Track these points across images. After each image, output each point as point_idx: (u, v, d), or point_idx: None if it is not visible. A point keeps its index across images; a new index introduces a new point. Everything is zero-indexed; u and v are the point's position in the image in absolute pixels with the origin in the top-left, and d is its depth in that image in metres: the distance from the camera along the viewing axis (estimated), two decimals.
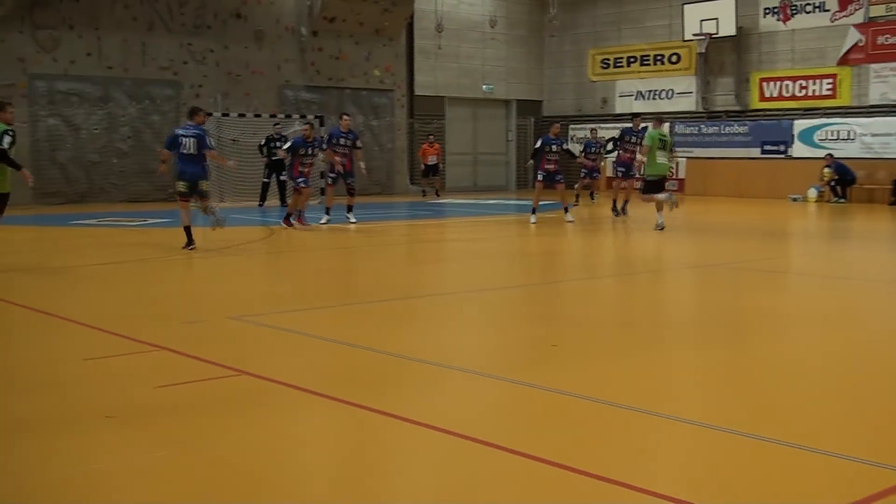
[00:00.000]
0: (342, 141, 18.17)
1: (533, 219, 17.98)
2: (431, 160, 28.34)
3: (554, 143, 18.49)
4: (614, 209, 20.39)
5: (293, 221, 17.33)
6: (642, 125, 20.09)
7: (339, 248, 15.05)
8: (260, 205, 23.69)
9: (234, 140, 25.26)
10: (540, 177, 18.39)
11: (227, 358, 6.70)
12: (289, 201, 19.18)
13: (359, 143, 18.50)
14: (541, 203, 18.89)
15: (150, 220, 19.12)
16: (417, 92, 30.72)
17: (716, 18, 28.28)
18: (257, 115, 25.50)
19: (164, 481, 4.36)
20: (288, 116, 26.06)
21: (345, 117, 18.60)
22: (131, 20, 24.67)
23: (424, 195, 28.53)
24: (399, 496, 4.29)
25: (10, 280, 11.39)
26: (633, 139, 19.74)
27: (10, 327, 8.30)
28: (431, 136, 29.11)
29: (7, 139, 11.53)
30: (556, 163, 18.45)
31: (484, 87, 32.36)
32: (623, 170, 20.22)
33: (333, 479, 4.54)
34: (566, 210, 18.70)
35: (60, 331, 7.97)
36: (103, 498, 4.17)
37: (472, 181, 32.81)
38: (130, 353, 6.92)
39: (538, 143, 18.72)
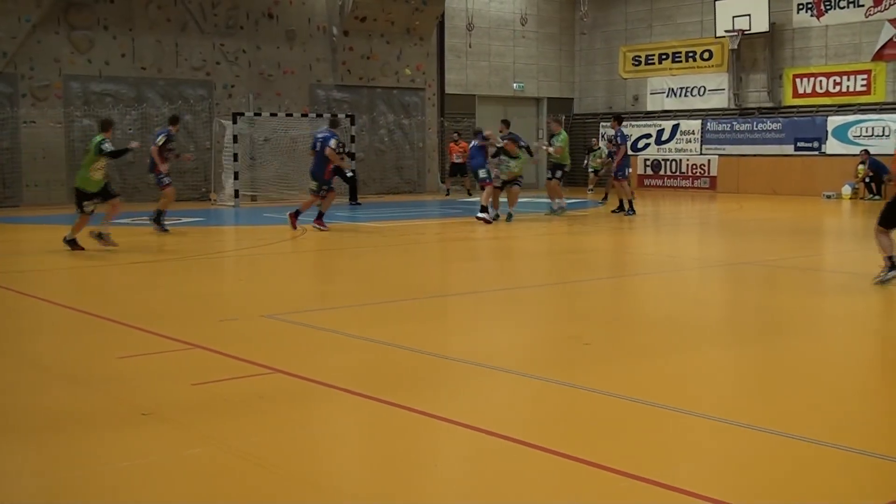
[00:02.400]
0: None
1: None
2: (457, 158, 27.95)
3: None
4: (621, 207, 20.88)
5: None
6: (619, 127, 21.17)
7: (369, 247, 15.10)
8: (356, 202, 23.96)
9: (265, 139, 25.41)
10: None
11: (261, 356, 6.76)
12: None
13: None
14: (574, 201, 18.83)
15: (184, 220, 19.26)
16: (448, 90, 30.74)
17: (748, 14, 28.07)
18: (289, 115, 25.63)
19: (197, 478, 4.40)
20: (319, 116, 26.17)
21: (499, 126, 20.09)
22: (165, 21, 24.87)
23: (448, 194, 28.21)
24: (433, 494, 4.31)
25: (46, 278, 11.54)
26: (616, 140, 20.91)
27: (45, 325, 8.41)
28: (456, 134, 28.88)
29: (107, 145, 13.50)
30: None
31: (515, 85, 32.31)
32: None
33: (367, 477, 4.56)
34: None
35: (95, 328, 8.06)
36: (137, 494, 4.22)
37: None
38: (165, 351, 6.99)
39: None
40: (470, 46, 30.71)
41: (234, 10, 25.94)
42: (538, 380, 6.19)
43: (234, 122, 24.12)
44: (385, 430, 5.19)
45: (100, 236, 13.56)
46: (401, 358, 6.90)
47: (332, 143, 16.41)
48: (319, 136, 16.76)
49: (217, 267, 13.01)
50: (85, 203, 13.61)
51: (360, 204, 23.55)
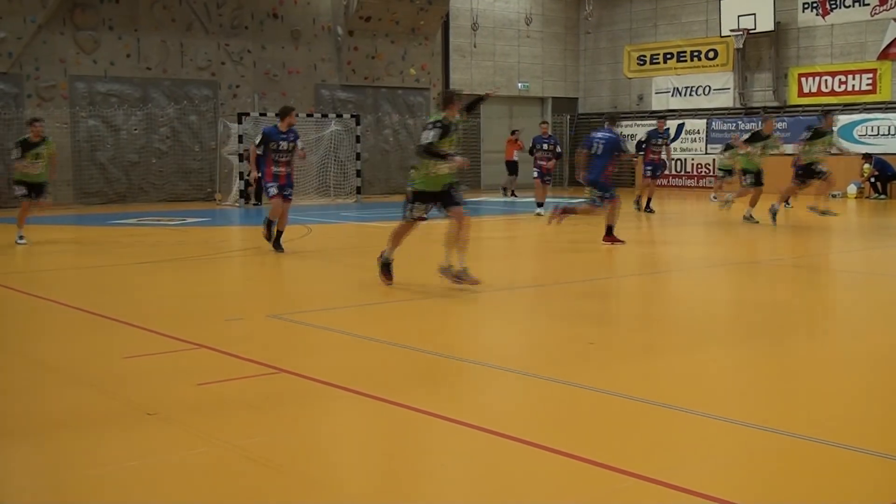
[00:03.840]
0: (544, 146, 20.38)
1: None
2: (516, 157, 27.49)
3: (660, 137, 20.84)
4: (636, 204, 21.34)
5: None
6: (665, 127, 21.56)
7: (370, 247, 15.09)
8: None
9: None
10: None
11: (266, 356, 6.77)
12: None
13: (558, 149, 20.92)
14: (579, 200, 18.79)
15: (189, 220, 19.30)
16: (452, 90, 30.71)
17: (753, 14, 28.04)
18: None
19: (202, 478, 4.41)
20: (324, 116, 26.20)
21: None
22: (170, 21, 24.91)
23: (505, 193, 27.56)
24: (436, 494, 4.32)
25: (52, 279, 11.56)
26: (659, 140, 21.01)
27: (51, 325, 8.43)
28: (517, 131, 28.14)
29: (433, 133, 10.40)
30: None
31: (519, 85, 32.31)
32: (651, 168, 21.14)
33: (372, 477, 4.57)
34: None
35: (100, 329, 8.07)
36: (142, 494, 4.23)
37: (507, 180, 32.67)
38: (170, 351, 7.00)
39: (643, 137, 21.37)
40: (475, 46, 30.72)
41: (239, 10, 25.97)
42: (541, 379, 6.19)
43: (240, 122, 24.15)
44: (390, 430, 5.19)
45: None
46: (405, 357, 6.91)
47: (623, 145, 14.69)
48: (600, 135, 14.35)
49: (221, 267, 13.03)
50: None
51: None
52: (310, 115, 26.02)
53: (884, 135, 25.84)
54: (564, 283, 11.13)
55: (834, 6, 26.98)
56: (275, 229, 13.18)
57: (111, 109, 24.22)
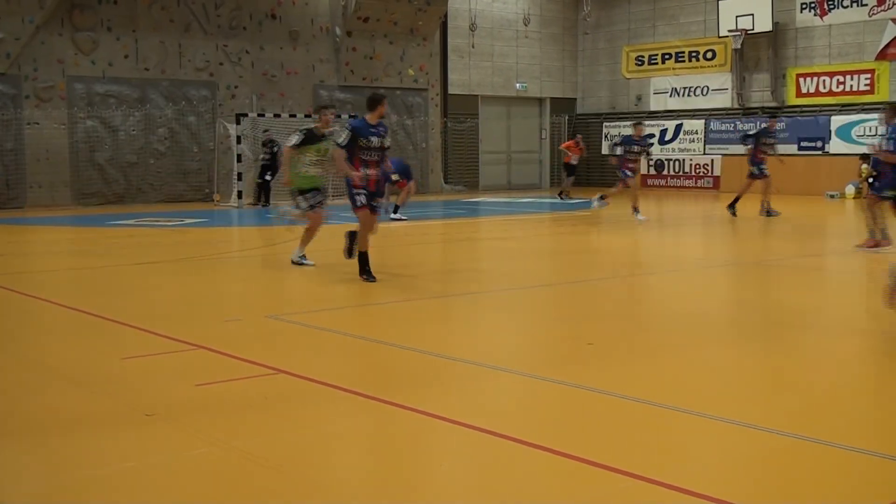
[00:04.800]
0: (635, 148, 19.37)
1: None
2: (574, 160, 26.59)
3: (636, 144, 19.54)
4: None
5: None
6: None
7: (375, 246, 15.11)
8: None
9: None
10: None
11: (264, 356, 6.77)
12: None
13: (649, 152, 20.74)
14: (574, 202, 18.82)
15: (188, 220, 19.30)
16: (451, 91, 30.76)
17: (752, 14, 28.06)
18: (292, 116, 25.65)
19: (201, 479, 4.42)
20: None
21: (638, 127, 19.90)
22: (168, 22, 24.90)
23: (562, 196, 26.37)
24: (435, 495, 4.32)
25: (50, 279, 11.57)
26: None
27: (49, 326, 8.43)
28: (578, 136, 27.83)
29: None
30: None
31: (517, 85, 32.32)
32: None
33: (371, 478, 4.58)
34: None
35: (100, 330, 8.07)
36: (141, 495, 4.24)
37: (506, 179, 32.78)
38: (169, 352, 7.00)
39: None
40: (473, 47, 30.74)
41: (238, 10, 25.97)
42: (540, 380, 6.20)
43: (238, 122, 24.15)
44: (389, 431, 5.20)
45: None
46: (403, 358, 6.91)
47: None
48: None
49: (220, 268, 13.02)
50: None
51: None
52: (308, 116, 26.03)
53: (881, 135, 25.82)
54: (564, 283, 11.13)
55: (832, 7, 27.01)
56: (357, 247, 10.89)
57: (109, 110, 24.21)
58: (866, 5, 26.18)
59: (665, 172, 31.25)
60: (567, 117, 33.55)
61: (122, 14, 24.26)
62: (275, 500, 4.16)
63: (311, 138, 11.79)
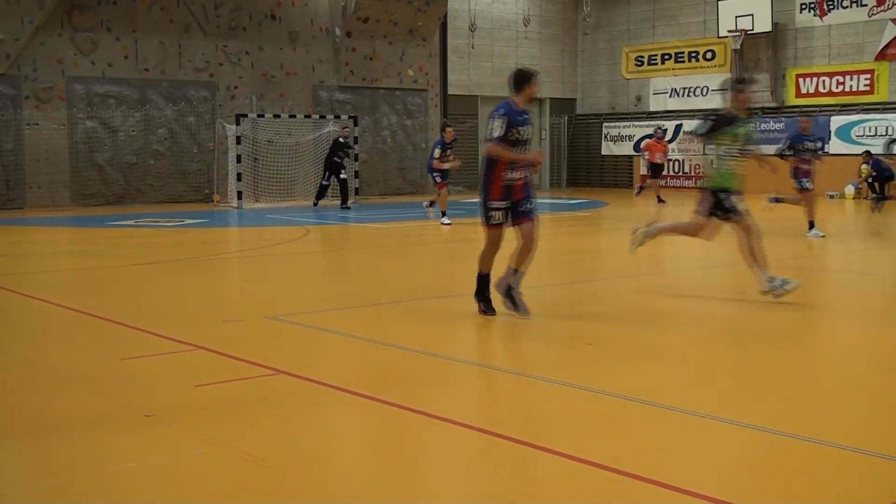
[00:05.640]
0: (807, 144, 17.25)
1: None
2: (659, 159, 25.27)
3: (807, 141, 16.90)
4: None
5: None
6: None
7: (369, 248, 15.11)
8: (315, 204, 23.90)
9: (269, 141, 25.44)
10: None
11: (264, 357, 6.77)
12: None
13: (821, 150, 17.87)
14: (579, 201, 18.82)
15: (187, 221, 19.29)
16: (451, 92, 30.76)
17: (751, 14, 28.07)
18: (292, 116, 25.67)
19: (201, 480, 4.41)
20: (322, 117, 26.21)
21: (805, 120, 17.31)
22: (168, 22, 24.91)
23: (660, 200, 24.37)
24: (432, 494, 4.32)
25: (50, 280, 11.56)
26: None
27: (49, 327, 8.43)
28: (660, 130, 26.67)
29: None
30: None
31: None
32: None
33: (369, 478, 4.57)
34: None
35: (99, 330, 8.07)
36: (141, 495, 4.23)
37: None
38: (169, 353, 7.00)
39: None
40: (473, 47, 30.75)
41: (237, 11, 25.98)
42: (539, 380, 6.19)
43: (238, 123, 24.16)
44: (388, 431, 5.19)
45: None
46: (403, 358, 6.91)
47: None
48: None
49: (219, 268, 13.02)
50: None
51: (349, 208, 23.39)
52: (307, 117, 26.05)
53: (881, 135, 25.86)
54: (563, 284, 11.13)
55: (832, 7, 27.01)
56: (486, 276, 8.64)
57: (109, 111, 24.22)
58: (866, 6, 26.20)
59: (665, 173, 31.24)
60: (567, 118, 33.56)
61: (122, 15, 24.27)
62: (274, 501, 4.15)
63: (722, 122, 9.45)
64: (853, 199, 25.39)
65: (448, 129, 18.26)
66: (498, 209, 8.28)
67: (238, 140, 24.04)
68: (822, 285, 11.26)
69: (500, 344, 7.62)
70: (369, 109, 28.50)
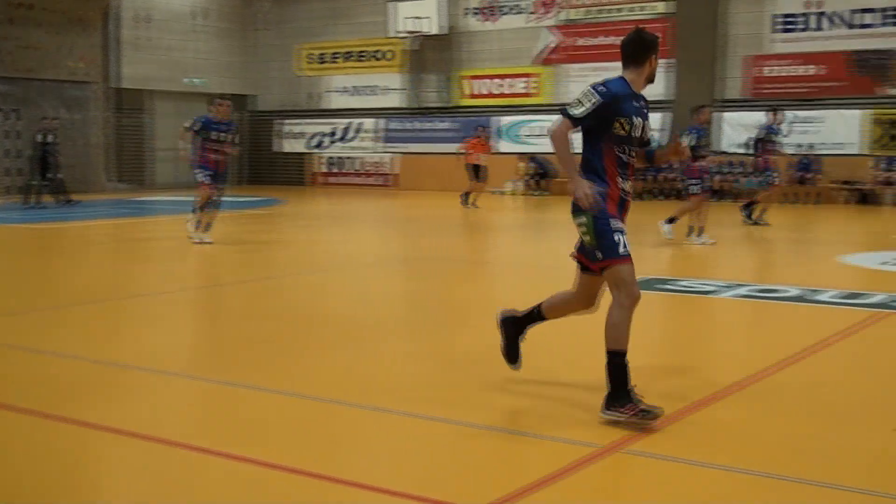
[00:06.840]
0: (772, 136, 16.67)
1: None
2: (482, 159, 22.66)
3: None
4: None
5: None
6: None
7: (35, 248, 14.14)
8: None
9: None
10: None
11: None
12: None
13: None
14: (259, 199, 18.43)
15: None
16: (125, 85, 29.31)
17: (427, 17, 28.91)
18: None
19: None
20: None
21: (779, 114, 16.73)
22: None
23: (467, 203, 22.29)
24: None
25: None
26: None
27: None
28: (480, 128, 24.16)
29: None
30: None
31: (185, 80, 31.11)
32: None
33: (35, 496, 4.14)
34: None
35: None
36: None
37: (175, 177, 31.21)
38: None
39: None
40: (140, 39, 29.44)
41: None
42: (208, 382, 5.97)
43: None
44: (54, 448, 4.75)
45: None
46: (66, 368, 6.38)
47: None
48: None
49: None
50: None
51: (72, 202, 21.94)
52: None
53: (544, 136, 27.38)
54: (234, 283, 10.86)
55: (499, 13, 28.36)
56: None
57: None
58: (528, 13, 27.75)
59: (343, 170, 31.62)
60: (246, 114, 33.04)
61: None
62: None
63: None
64: (512, 195, 26.86)
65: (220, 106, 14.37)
66: (623, 231, 5.25)
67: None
68: (478, 276, 11.65)
69: (166, 346, 7.26)
70: (32, 102, 26.48)
